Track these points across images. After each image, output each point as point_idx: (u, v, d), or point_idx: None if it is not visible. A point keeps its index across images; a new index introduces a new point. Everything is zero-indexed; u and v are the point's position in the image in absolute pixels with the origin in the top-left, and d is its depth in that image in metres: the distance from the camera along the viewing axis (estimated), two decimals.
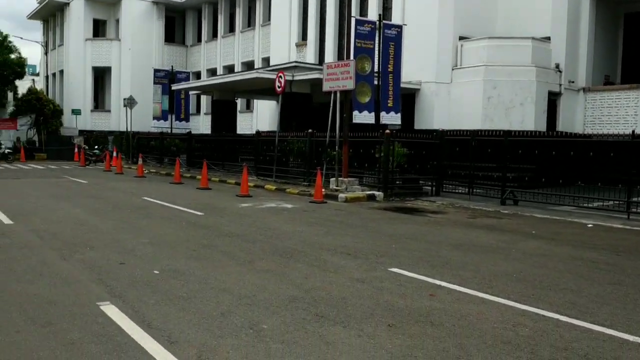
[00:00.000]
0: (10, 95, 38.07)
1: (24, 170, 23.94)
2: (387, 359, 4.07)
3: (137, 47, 40.72)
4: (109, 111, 42.02)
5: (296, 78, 20.39)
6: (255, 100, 34.37)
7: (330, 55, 26.68)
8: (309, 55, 27.47)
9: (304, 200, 14.55)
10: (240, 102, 33.26)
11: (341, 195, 14.78)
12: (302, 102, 21.32)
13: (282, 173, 19.21)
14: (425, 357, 4.13)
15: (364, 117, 17.39)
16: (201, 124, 39.01)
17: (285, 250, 7.87)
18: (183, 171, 23.57)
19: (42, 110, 34.75)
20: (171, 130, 29.83)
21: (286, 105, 20.49)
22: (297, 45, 28.92)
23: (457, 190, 16.02)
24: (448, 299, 5.66)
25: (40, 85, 46.94)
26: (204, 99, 39.38)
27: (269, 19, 34.63)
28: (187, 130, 27.67)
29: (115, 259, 7.02)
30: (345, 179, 15.73)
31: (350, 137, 15.98)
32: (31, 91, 36.15)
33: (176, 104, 30.63)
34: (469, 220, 11.73)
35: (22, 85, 44.51)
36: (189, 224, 10.14)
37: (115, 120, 40.86)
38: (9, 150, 29.67)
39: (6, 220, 9.81)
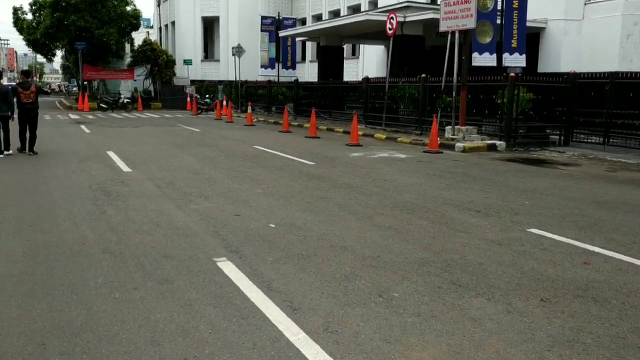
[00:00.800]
0: (127, 46, 39.75)
1: (141, 118, 24.97)
2: (549, 344, 3.37)
3: None
4: (218, 60, 42.81)
5: (408, 19, 19.14)
6: (361, 46, 33.33)
7: None
8: None
9: (417, 150, 13.74)
10: (345, 49, 32.38)
11: (458, 144, 13.77)
12: (413, 46, 20.10)
13: (392, 121, 18.39)
14: (597, 344, 3.38)
15: (484, 60, 15.98)
16: (306, 72, 38.68)
17: (406, 205, 7.23)
18: (290, 119, 23.44)
19: (157, 60, 35.98)
20: (278, 79, 29.72)
21: (397, 49, 19.39)
22: None
23: (589, 140, 14.38)
24: (607, 269, 4.79)
25: (154, 37, 48.70)
26: (309, 47, 38.86)
27: None
28: (294, 78, 27.32)
29: (230, 210, 6.76)
30: (462, 127, 14.64)
31: (469, 82, 14.75)
32: (146, 42, 37.49)
33: (283, 52, 30.35)
34: (608, 173, 10.38)
35: (138, 38, 46.43)
36: (301, 173, 9.77)
37: (224, 69, 41.59)
38: (127, 100, 31.12)
39: (125, 168, 9.97)
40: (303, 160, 11.38)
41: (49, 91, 79.66)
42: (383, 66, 29.42)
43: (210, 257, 4.93)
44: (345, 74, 29.12)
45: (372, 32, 24.03)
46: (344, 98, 23.21)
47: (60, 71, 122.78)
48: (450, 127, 14.92)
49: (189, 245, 5.28)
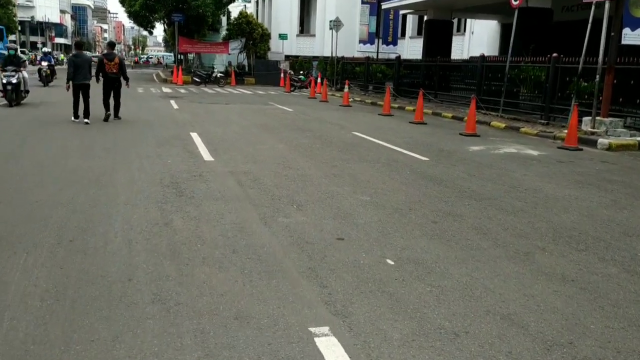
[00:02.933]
0: (223, 19, 39.07)
1: (233, 95, 23.90)
2: None
3: None
4: (314, 35, 41.22)
5: None
6: (468, 21, 30.48)
7: None
8: None
9: (548, 145, 11.40)
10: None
11: (601, 140, 11.25)
12: (539, 20, 17.33)
13: (510, 107, 15.93)
14: None
15: (637, 37, 13.11)
16: (405, 49, 36.18)
17: (571, 234, 5.19)
18: (390, 100, 21.42)
19: (252, 34, 34.96)
20: (377, 55, 27.64)
21: (519, 24, 16.75)
22: None
23: None
24: None
25: (250, 10, 47.89)
26: (410, 22, 36.31)
27: None
28: (396, 55, 25.13)
29: (329, 229, 5.04)
30: (606, 119, 12.06)
31: (618, 64, 12.08)
32: (242, 15, 36.55)
33: (384, 26, 28.17)
34: None
35: (234, 12, 45.80)
36: (414, 173, 7.88)
37: (319, 44, 39.98)
38: (221, 75, 30.29)
39: (207, 157, 8.53)
40: (414, 154, 9.46)
41: (148, 63, 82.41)
42: (494, 44, 26.56)
43: (304, 323, 3.22)
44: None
45: (487, 5, 21.38)
46: (450, 78, 20.86)
47: (162, 44, 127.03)
48: (588, 118, 12.36)
49: (273, 295, 3.60)
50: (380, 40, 28.42)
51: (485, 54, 24.23)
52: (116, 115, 13.01)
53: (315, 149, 9.73)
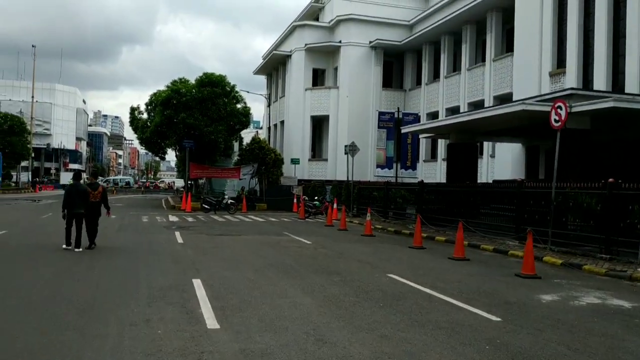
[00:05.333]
0: (235, 145, 38.65)
1: (244, 223, 22.19)
2: None
3: (355, 94, 39.01)
4: (326, 160, 40.61)
5: (573, 110, 15.12)
6: (486, 145, 29.52)
7: (601, 81, 20.78)
8: (569, 84, 21.79)
9: (627, 288, 9.30)
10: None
11: None
12: (577, 141, 15.92)
13: (558, 238, 13.96)
14: None
15: None
16: (420, 173, 35.05)
17: None
18: (413, 227, 19.55)
19: (264, 159, 34.12)
20: (396, 179, 26.25)
21: (552, 145, 15.32)
22: (552, 74, 23.46)
23: None
24: None
25: (263, 135, 47.98)
26: (423, 146, 35.57)
27: (505, 51, 29.92)
28: (419, 180, 23.69)
29: None
30: None
31: None
32: (254, 140, 36.05)
33: (402, 150, 27.09)
34: None
35: (246, 138, 45.80)
36: (494, 347, 5.73)
37: (332, 169, 39.22)
38: (231, 201, 28.89)
39: (211, 322, 6.43)
40: (478, 311, 7.33)
41: (159, 187, 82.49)
42: (519, 167, 25.18)
43: None
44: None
45: (511, 128, 20.24)
46: (479, 204, 19.13)
47: (174, 168, 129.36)
48: None
49: None
50: (399, 165, 27.14)
51: (510, 177, 22.85)
52: (93, 243, 12.73)
53: (350, 304, 7.63)
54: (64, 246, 12.29)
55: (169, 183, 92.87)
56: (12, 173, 57.98)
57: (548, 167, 22.55)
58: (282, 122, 45.24)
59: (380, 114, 29.50)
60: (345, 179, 32.26)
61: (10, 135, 50.05)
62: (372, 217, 23.05)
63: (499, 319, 6.96)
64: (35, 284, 8.35)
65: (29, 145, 55.22)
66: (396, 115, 28.08)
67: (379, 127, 28.83)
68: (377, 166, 28.85)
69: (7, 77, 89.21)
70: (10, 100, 73.18)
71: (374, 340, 5.91)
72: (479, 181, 24.97)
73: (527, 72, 24.79)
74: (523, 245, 14.38)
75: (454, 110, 32.62)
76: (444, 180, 31.06)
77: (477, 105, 30.64)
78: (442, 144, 34.48)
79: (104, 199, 13.04)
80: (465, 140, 21.62)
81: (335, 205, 24.77)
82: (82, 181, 13.38)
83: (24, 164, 59.92)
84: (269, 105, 50.82)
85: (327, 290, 8.49)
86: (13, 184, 56.16)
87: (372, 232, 18.05)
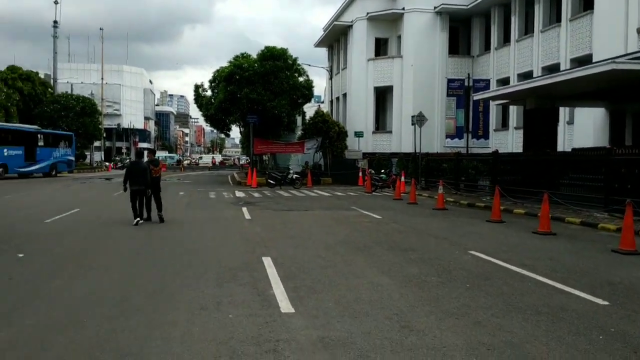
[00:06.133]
0: (299, 119, 38.28)
1: (310, 197, 21.81)
2: None
3: (420, 62, 37.54)
4: (390, 132, 39.55)
5: None
6: (567, 111, 27.62)
7: None
8: None
9: None
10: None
11: None
12: None
13: None
14: None
15: None
16: (490, 142, 33.44)
17: None
18: (487, 200, 18.53)
19: (328, 132, 33.56)
20: (467, 150, 25.05)
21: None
22: None
23: None
24: None
25: (325, 109, 47.37)
26: (493, 114, 33.81)
27: (583, 10, 27.71)
28: (491, 150, 22.45)
29: None
30: None
31: None
32: (318, 114, 35.48)
33: (473, 119, 25.79)
34: None
35: (309, 111, 45.34)
36: (610, 337, 4.96)
37: (397, 141, 38.17)
38: (296, 176, 28.60)
39: (285, 305, 5.97)
40: (580, 294, 6.51)
41: (225, 164, 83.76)
42: (601, 132, 23.35)
43: None
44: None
45: (594, 91, 18.66)
46: (558, 174, 17.79)
47: (239, 145, 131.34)
48: None
49: None
50: (470, 134, 25.87)
51: (591, 145, 21.24)
52: (160, 217, 13.35)
53: (433, 285, 6.98)
54: (134, 222, 12.74)
55: (234, 159, 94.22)
56: (86, 153, 60.26)
57: (637, 133, 20.79)
58: (345, 95, 44.40)
59: (449, 81, 28.10)
60: (411, 151, 31.27)
61: (82, 116, 51.78)
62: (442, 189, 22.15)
63: (606, 303, 6.14)
64: (106, 266, 8.19)
65: (100, 126, 57.06)
66: (466, 83, 26.62)
67: (447, 95, 27.46)
68: (447, 136, 27.60)
69: (78, 60, 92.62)
70: (82, 83, 75.85)
71: (467, 327, 5.26)
72: (558, 149, 23.42)
73: (611, 31, 22.75)
74: (614, 218, 13.24)
75: (526, 76, 30.72)
76: (515, 150, 29.52)
77: (552, 69, 28.67)
78: (514, 111, 32.74)
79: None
80: (544, 105, 20.15)
81: (402, 178, 23.98)
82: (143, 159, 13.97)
83: (96, 144, 62.13)
84: (330, 78, 50.01)
85: (405, 270, 7.87)
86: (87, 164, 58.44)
87: (444, 206, 17.20)
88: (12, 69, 48.44)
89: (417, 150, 26.62)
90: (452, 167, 23.73)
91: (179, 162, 79.20)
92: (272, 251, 9.28)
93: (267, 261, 8.35)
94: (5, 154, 33.42)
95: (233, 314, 5.63)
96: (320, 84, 68.45)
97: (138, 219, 12.82)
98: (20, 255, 8.72)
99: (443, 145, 29.53)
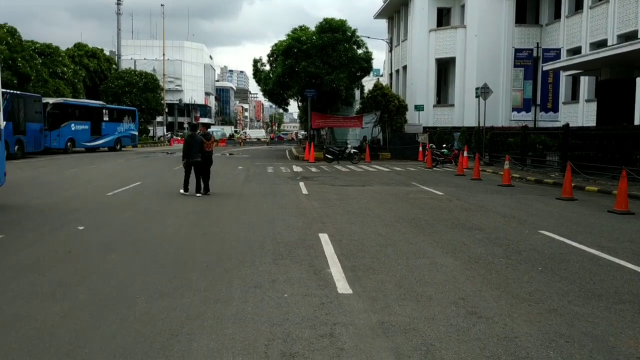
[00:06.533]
0: (357, 93, 37.63)
1: (368, 173, 21.38)
2: None
3: (484, 32, 35.89)
4: (452, 105, 38.31)
5: None
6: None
7: None
8: None
9: None
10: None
11: None
12: None
13: None
14: None
15: None
16: (559, 115, 31.74)
17: None
18: (556, 177, 17.55)
19: (387, 106, 32.82)
20: (535, 123, 23.83)
21: None
22: None
23: None
24: None
25: (385, 82, 46.42)
26: (562, 86, 32.00)
27: None
28: (561, 124, 21.22)
29: None
30: None
31: None
32: (377, 87, 34.72)
33: (542, 91, 24.43)
34: None
35: (367, 85, 44.54)
36: None
37: (459, 114, 36.93)
38: (354, 151, 28.16)
39: (342, 286, 5.66)
40: None
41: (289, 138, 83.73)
42: None
43: None
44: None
45: None
46: (634, 150, 16.56)
47: (297, 120, 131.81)
48: None
49: None
50: (539, 107, 24.56)
51: None
52: (207, 190, 13.54)
53: (501, 267, 6.50)
54: (181, 191, 13.50)
55: (291, 134, 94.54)
56: (149, 128, 61.88)
57: None
58: (405, 67, 43.25)
59: (517, 51, 26.66)
60: (473, 125, 30.14)
61: (145, 92, 53.05)
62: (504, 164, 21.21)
63: None
64: (162, 240, 8.13)
65: (162, 101, 58.36)
66: (535, 53, 25.19)
67: (514, 66, 26.12)
68: (513, 109, 26.33)
69: (141, 37, 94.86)
70: (144, 59, 77.67)
71: (541, 315, 4.79)
72: (636, 123, 21.87)
73: None
74: None
75: (599, 45, 28.76)
76: (586, 124, 27.86)
77: (629, 37, 26.66)
78: (585, 83, 30.88)
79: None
80: (621, 76, 18.77)
81: (465, 153, 23.13)
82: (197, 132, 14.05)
83: (159, 119, 63.68)
84: (390, 51, 48.85)
85: (470, 250, 7.39)
86: (150, 139, 60.05)
87: (510, 182, 16.39)
88: (78, 46, 50.01)
89: (481, 124, 25.57)
90: (519, 142, 22.64)
91: (231, 136, 78.03)
92: (329, 227, 8.99)
93: (324, 238, 8.07)
94: (73, 128, 34.64)
95: (288, 293, 5.38)
96: (379, 57, 67.13)
97: (189, 192, 13.38)
98: (81, 227, 8.82)
99: (509, 119, 28.26)
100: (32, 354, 3.92)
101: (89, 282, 5.75)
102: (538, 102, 24.73)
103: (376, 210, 11.14)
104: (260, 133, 79.07)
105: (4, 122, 26.19)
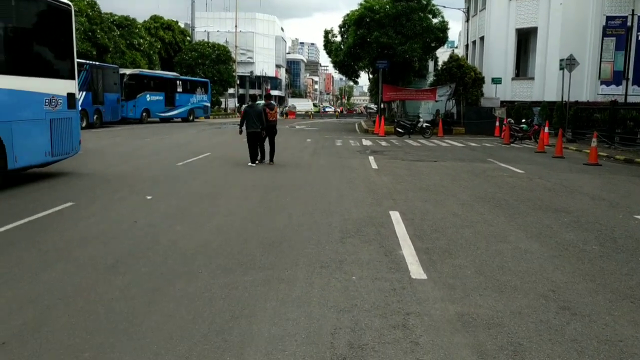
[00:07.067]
0: (430, 65, 36.30)
1: (441, 148, 20.54)
2: None
3: (570, 0, 33.44)
4: (532, 78, 36.22)
5: None
6: None
7: None
8: None
9: None
10: None
11: None
12: None
13: None
14: None
15: None
16: None
17: None
18: None
19: (463, 78, 31.42)
20: (625, 99, 22.06)
21: None
22: None
23: None
24: None
25: (460, 53, 44.63)
26: None
27: None
28: None
29: None
30: None
31: None
32: (452, 58, 33.29)
33: (636, 63, 22.49)
34: None
35: (441, 56, 42.92)
36: None
37: (539, 88, 34.88)
38: (427, 125, 27.18)
39: (415, 270, 5.20)
40: None
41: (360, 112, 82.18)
42: None
43: None
44: None
45: None
46: None
47: (367, 93, 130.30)
48: None
49: None
50: (630, 81, 22.66)
51: None
52: (271, 159, 13.88)
53: (595, 256, 5.81)
54: (249, 163, 13.50)
55: (361, 107, 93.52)
56: (221, 99, 62.83)
57: None
58: (482, 38, 41.25)
59: (609, 18, 24.51)
60: (555, 99, 28.37)
61: (217, 64, 53.70)
62: (589, 142, 19.77)
63: None
64: (228, 212, 7.95)
65: (234, 73, 58.95)
66: (629, 22, 23.11)
67: (604, 35, 24.05)
68: (602, 82, 24.35)
69: (215, 9, 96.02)
70: (217, 31, 78.60)
71: None
72: None
73: None
74: None
75: None
76: None
77: None
78: None
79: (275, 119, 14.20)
80: None
81: (546, 129, 21.77)
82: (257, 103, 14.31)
83: (230, 91, 64.49)
84: (467, 21, 46.79)
85: (558, 235, 6.71)
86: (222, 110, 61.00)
87: (597, 161, 15.18)
88: (154, 18, 51.05)
89: (564, 98, 23.93)
90: (606, 118, 21.02)
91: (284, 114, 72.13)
92: (400, 205, 8.50)
93: (395, 216, 7.60)
94: (148, 99, 35.52)
95: (357, 275, 4.99)
96: (453, 29, 64.71)
97: (256, 162, 13.59)
98: (149, 197, 8.78)
99: (595, 93, 26.29)
100: (88, 330, 3.75)
101: (152, 254, 5.59)
102: (629, 75, 22.75)
103: (451, 187, 10.51)
104: (308, 105, 73.46)
105: (84, 92, 27.29)
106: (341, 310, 4.15)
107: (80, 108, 26.62)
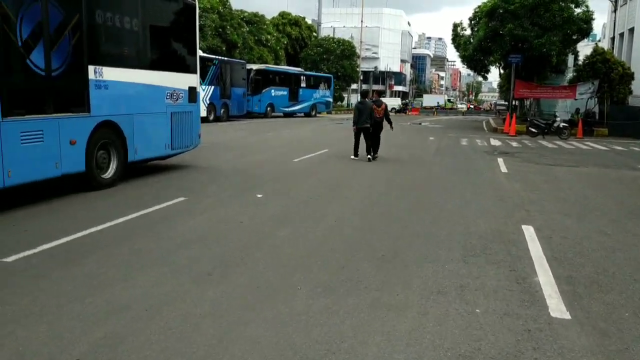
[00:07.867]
0: (570, 59, 33.25)
1: (580, 151, 18.49)
2: None
3: None
4: None
5: None
6: None
7: None
8: None
9: None
10: None
11: None
12: None
13: None
14: None
15: None
16: None
17: None
18: None
19: (608, 74, 28.27)
20: None
21: None
22: None
23: None
24: None
25: (605, 47, 40.57)
26: None
27: None
28: None
29: None
30: None
31: None
32: (596, 52, 30.14)
33: None
34: None
35: (582, 51, 39.28)
36: None
37: None
38: (564, 125, 24.76)
39: (554, 304, 4.24)
40: None
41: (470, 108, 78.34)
42: None
43: None
44: None
45: None
46: None
47: (496, 89, 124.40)
48: None
49: None
50: None
51: None
52: (375, 155, 13.89)
53: None
54: (352, 157, 13.77)
55: (490, 104, 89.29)
56: (343, 95, 62.90)
57: None
58: (632, 30, 37.09)
59: None
60: None
61: (342, 59, 53.76)
62: None
63: None
64: (337, 216, 7.39)
65: (357, 69, 58.71)
66: None
67: None
68: None
69: (342, 5, 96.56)
70: (343, 26, 78.80)
71: None
72: None
73: None
74: None
75: None
76: None
77: None
78: None
79: (386, 115, 14.27)
80: None
81: None
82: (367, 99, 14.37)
83: (353, 86, 64.37)
84: (614, 10, 42.37)
85: None
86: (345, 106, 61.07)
87: None
88: (282, 14, 52.18)
89: None
90: None
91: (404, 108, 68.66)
92: (535, 218, 7.39)
93: (529, 231, 6.56)
94: (273, 94, 36.20)
95: (481, 308, 4.15)
96: (597, 20, 59.24)
97: (357, 156, 13.79)
98: (259, 195, 8.47)
99: None
100: (166, 352, 3.32)
101: (251, 261, 5.15)
102: None
103: (596, 199, 9.11)
104: (396, 102, 68.22)
105: (212, 87, 28.33)
106: (460, 356, 3.37)
107: (208, 102, 28.06)
